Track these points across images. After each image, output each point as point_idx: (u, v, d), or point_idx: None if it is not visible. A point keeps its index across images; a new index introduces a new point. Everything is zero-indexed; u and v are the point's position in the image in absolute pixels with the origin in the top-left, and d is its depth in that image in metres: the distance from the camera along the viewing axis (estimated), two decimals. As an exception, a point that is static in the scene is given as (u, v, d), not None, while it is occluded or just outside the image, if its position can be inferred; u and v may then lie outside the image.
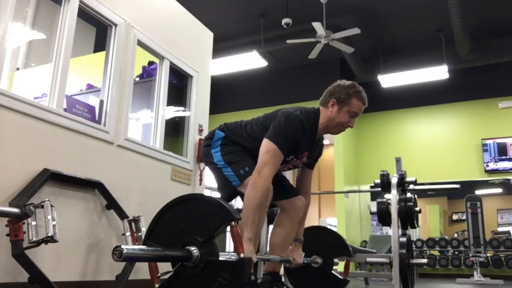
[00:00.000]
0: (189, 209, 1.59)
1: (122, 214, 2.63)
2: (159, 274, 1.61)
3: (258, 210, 1.94)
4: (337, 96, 2.16)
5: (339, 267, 3.01)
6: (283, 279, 2.42)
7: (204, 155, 2.30)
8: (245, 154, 2.17)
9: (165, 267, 1.62)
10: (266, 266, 2.33)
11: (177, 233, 1.57)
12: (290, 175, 3.37)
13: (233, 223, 1.53)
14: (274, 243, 2.30)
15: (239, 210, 1.96)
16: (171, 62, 3.49)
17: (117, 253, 1.21)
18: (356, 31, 5.88)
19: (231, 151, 2.18)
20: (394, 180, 3.33)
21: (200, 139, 3.69)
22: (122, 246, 1.22)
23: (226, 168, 2.14)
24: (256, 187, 1.94)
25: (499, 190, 12.45)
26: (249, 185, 1.97)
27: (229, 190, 2.15)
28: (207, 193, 5.71)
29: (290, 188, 2.37)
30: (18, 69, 4.31)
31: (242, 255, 1.53)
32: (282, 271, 2.66)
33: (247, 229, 1.88)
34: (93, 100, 3.29)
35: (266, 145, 2.03)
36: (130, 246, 1.34)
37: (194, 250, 1.50)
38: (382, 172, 3.60)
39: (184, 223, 1.57)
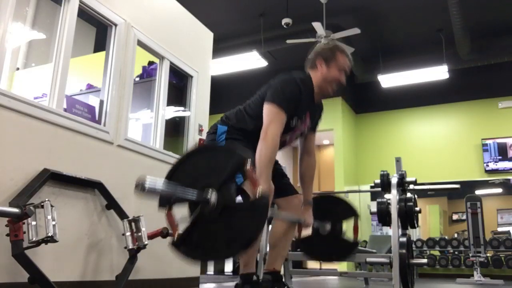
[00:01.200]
0: (205, 158, 1.65)
1: (122, 214, 2.63)
2: (176, 222, 1.60)
3: (270, 164, 1.99)
4: (323, 55, 2.22)
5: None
6: (283, 279, 2.42)
7: None
8: (250, 150, 2.18)
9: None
10: (267, 265, 2.33)
11: (195, 179, 1.59)
12: (290, 173, 3.37)
13: (247, 167, 1.56)
14: (274, 242, 2.31)
15: None
16: (171, 62, 3.48)
17: (140, 185, 1.21)
18: (356, 31, 5.89)
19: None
20: (394, 180, 3.32)
21: (200, 139, 3.69)
22: (147, 177, 1.23)
23: None
24: (267, 143, 2.00)
25: (499, 190, 12.42)
26: (259, 144, 2.01)
27: None
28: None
29: (288, 186, 2.38)
30: (18, 69, 4.31)
31: (259, 192, 1.53)
32: (282, 271, 2.65)
33: (262, 179, 1.91)
34: (93, 100, 3.29)
35: (267, 107, 2.08)
36: (153, 178, 1.33)
37: (213, 193, 1.52)
38: (382, 172, 3.59)
39: (202, 170, 1.62)
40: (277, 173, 2.24)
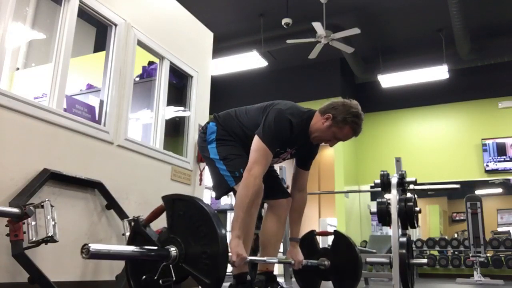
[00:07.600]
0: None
1: (122, 214, 2.63)
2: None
3: (248, 208, 1.95)
4: (336, 114, 2.11)
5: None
6: (278, 279, 2.41)
7: (200, 149, 2.32)
8: (240, 150, 2.18)
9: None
10: (260, 266, 2.33)
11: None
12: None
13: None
14: (264, 242, 2.31)
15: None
16: (171, 62, 3.49)
17: (85, 251, 1.22)
18: (356, 31, 5.88)
19: (227, 146, 2.19)
20: (394, 180, 3.33)
21: (200, 139, 3.69)
22: (89, 244, 1.23)
23: (222, 166, 2.15)
24: (247, 184, 1.96)
25: (499, 190, 12.44)
26: (240, 183, 2.00)
27: (225, 188, 2.17)
28: (207, 193, 5.70)
29: (280, 188, 2.39)
30: (18, 69, 4.30)
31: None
32: (277, 271, 2.64)
33: (235, 227, 1.90)
34: (93, 100, 3.29)
35: (256, 143, 2.05)
36: (98, 245, 1.33)
37: (173, 250, 1.52)
38: (382, 172, 3.59)
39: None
40: (271, 175, 2.25)
